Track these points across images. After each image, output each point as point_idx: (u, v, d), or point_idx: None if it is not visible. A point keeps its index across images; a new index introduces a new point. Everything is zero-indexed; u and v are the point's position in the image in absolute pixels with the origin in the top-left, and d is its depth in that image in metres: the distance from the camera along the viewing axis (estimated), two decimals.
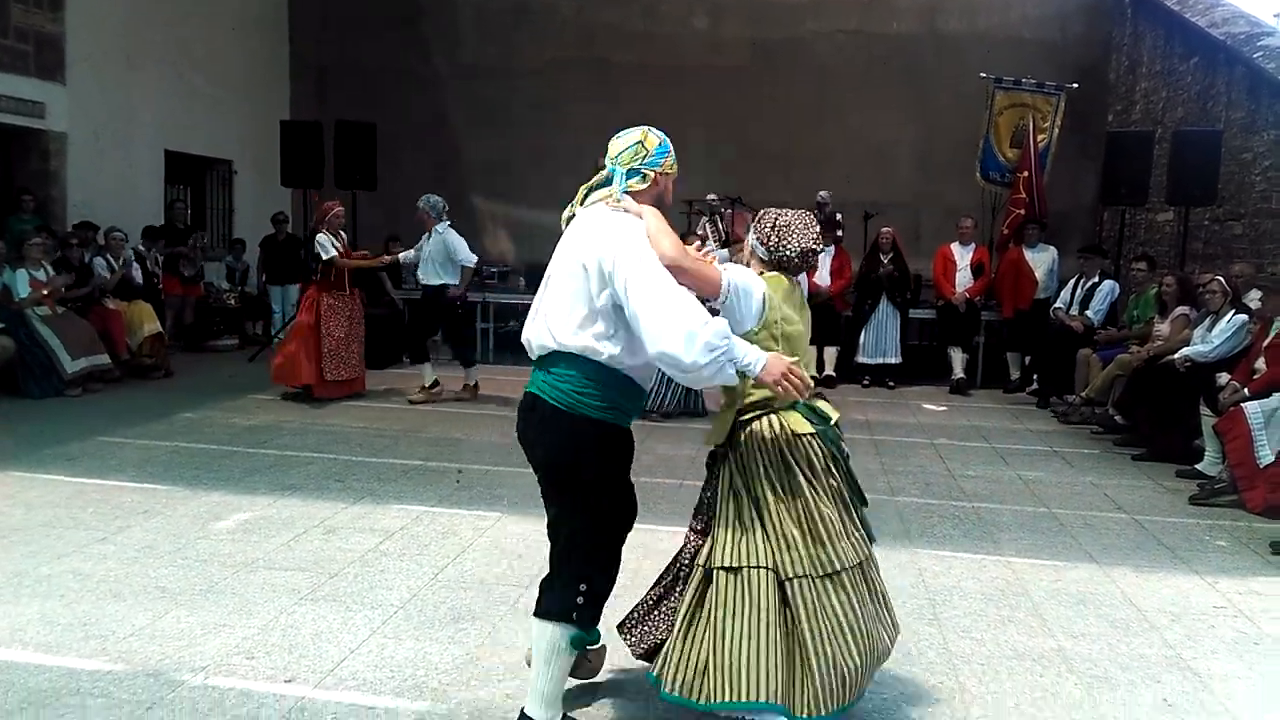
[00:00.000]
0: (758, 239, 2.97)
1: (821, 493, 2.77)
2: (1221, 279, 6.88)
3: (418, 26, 13.88)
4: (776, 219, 2.94)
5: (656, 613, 2.98)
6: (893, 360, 9.84)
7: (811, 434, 2.79)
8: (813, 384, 2.77)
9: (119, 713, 2.97)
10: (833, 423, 2.91)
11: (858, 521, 2.87)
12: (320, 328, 7.99)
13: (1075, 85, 10.77)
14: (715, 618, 2.70)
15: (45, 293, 8.05)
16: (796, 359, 2.75)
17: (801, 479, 2.76)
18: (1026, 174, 10.09)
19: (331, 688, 3.17)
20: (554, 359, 2.75)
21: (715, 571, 2.75)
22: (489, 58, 13.65)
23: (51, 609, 3.73)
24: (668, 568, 3.02)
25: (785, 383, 2.63)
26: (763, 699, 2.60)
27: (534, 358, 2.84)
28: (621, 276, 2.59)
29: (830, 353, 9.85)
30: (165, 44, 11.51)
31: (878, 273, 9.84)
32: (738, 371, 2.62)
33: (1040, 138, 10.36)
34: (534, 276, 11.16)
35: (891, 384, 9.77)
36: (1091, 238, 11.15)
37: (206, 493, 5.34)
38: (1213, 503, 5.66)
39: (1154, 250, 10.14)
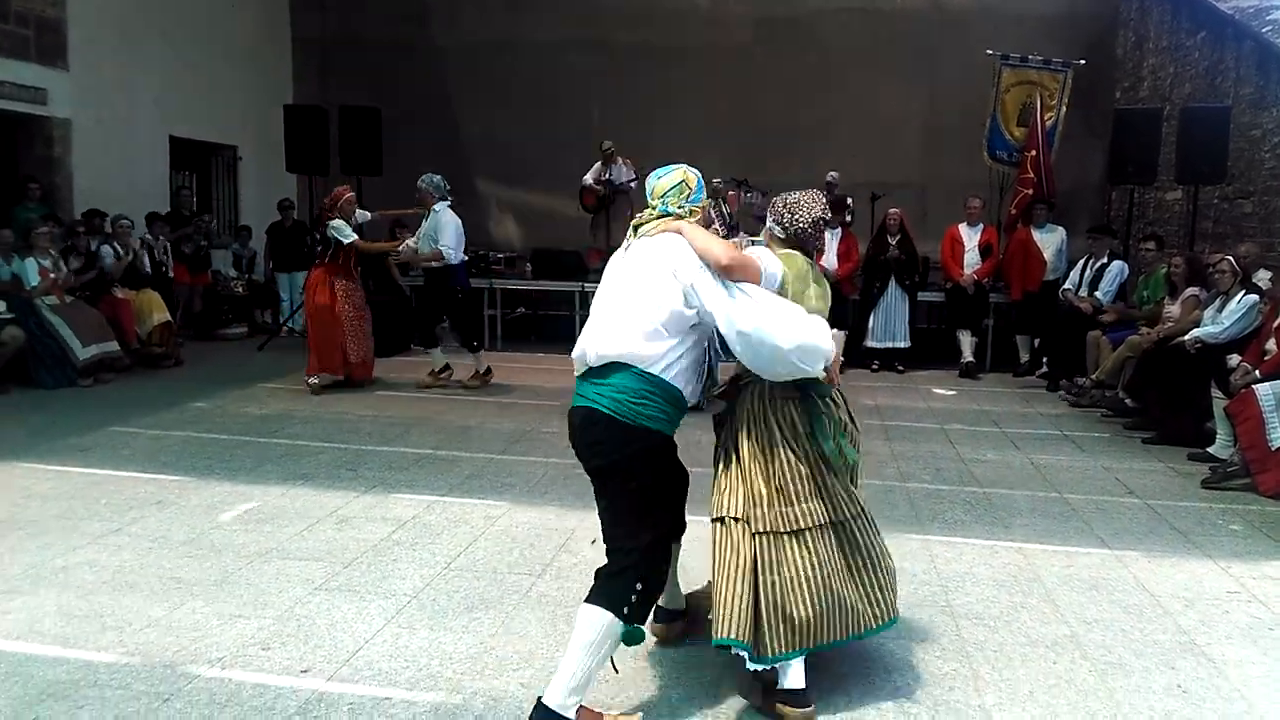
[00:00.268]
0: (774, 220, 3.29)
1: (798, 454, 3.01)
2: (1231, 259, 6.82)
3: (419, 2, 13.80)
4: (786, 199, 3.28)
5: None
6: (901, 344, 9.80)
7: (796, 398, 3.05)
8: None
9: (137, 704, 3.00)
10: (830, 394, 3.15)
11: (844, 483, 3.07)
12: (339, 310, 8.03)
13: (1083, 62, 10.65)
14: (712, 564, 3.06)
15: (59, 283, 8.06)
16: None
17: (779, 439, 3.02)
18: (1034, 153, 9.99)
19: (347, 679, 3.19)
20: (611, 371, 2.91)
21: (711, 523, 3.10)
22: (492, 37, 13.57)
23: (68, 601, 3.76)
24: None
25: (833, 373, 3.08)
26: (733, 637, 2.93)
27: (589, 367, 2.98)
28: (712, 299, 2.88)
29: (838, 337, 9.80)
30: (166, 25, 11.44)
31: (885, 255, 9.79)
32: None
33: (1048, 116, 10.24)
34: (540, 261, 11.33)
35: (900, 368, 9.74)
36: (1099, 217, 11.07)
37: (219, 483, 5.36)
38: (1225, 486, 5.64)
39: (1163, 229, 10.08)
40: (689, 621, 3.53)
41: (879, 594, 3.11)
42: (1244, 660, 3.45)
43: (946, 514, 5.11)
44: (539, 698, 2.83)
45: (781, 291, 3.04)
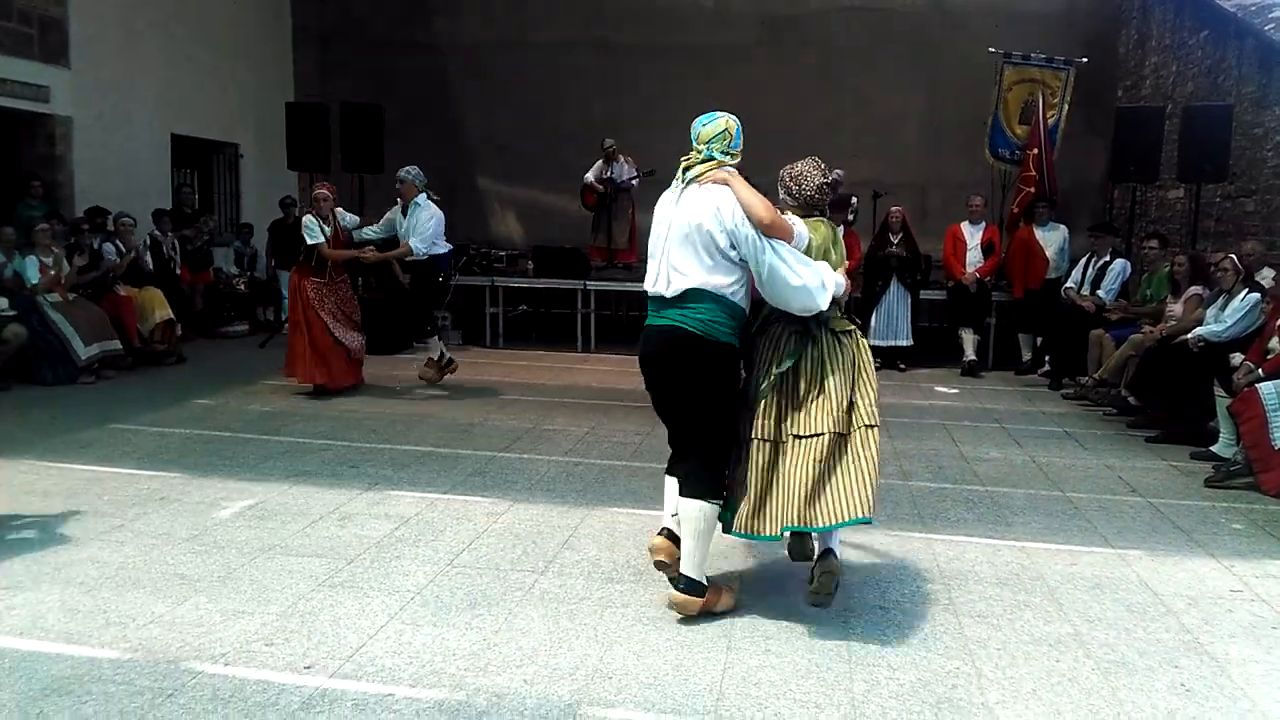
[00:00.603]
0: (784, 191, 3.80)
1: (794, 376, 3.58)
2: (1234, 257, 6.82)
3: (422, 1, 13.79)
4: (789, 170, 3.79)
5: None
6: (903, 342, 9.79)
7: (794, 331, 3.61)
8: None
9: (140, 700, 2.99)
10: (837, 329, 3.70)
11: (840, 402, 3.55)
12: (310, 319, 7.54)
13: (1085, 60, 10.65)
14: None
15: (61, 280, 8.06)
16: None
17: (773, 365, 3.60)
18: (1036, 151, 9.98)
19: (350, 675, 3.19)
20: (689, 296, 3.50)
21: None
22: (494, 35, 13.57)
23: (71, 597, 3.76)
24: None
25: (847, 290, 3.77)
26: (736, 530, 3.64)
27: (664, 297, 3.56)
28: (750, 248, 3.45)
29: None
30: (168, 24, 11.45)
31: (887, 253, 9.78)
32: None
33: (1050, 114, 10.24)
34: (542, 259, 11.33)
35: (903, 366, 9.74)
36: (1101, 216, 11.06)
37: (221, 479, 5.37)
38: (1228, 485, 5.63)
39: (1165, 228, 10.07)
40: None
41: (850, 494, 3.50)
42: (1247, 659, 3.45)
43: (949, 512, 5.11)
44: (681, 571, 3.57)
45: (806, 252, 3.59)
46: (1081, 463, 6.21)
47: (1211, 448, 6.20)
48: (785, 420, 3.57)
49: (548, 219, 13.31)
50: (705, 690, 3.14)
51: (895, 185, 11.07)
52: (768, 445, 3.56)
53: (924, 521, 4.93)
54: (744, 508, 3.58)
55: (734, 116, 3.64)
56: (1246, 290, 6.60)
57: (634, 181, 10.99)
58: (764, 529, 3.56)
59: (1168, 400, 6.88)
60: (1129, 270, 8.90)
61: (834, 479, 3.50)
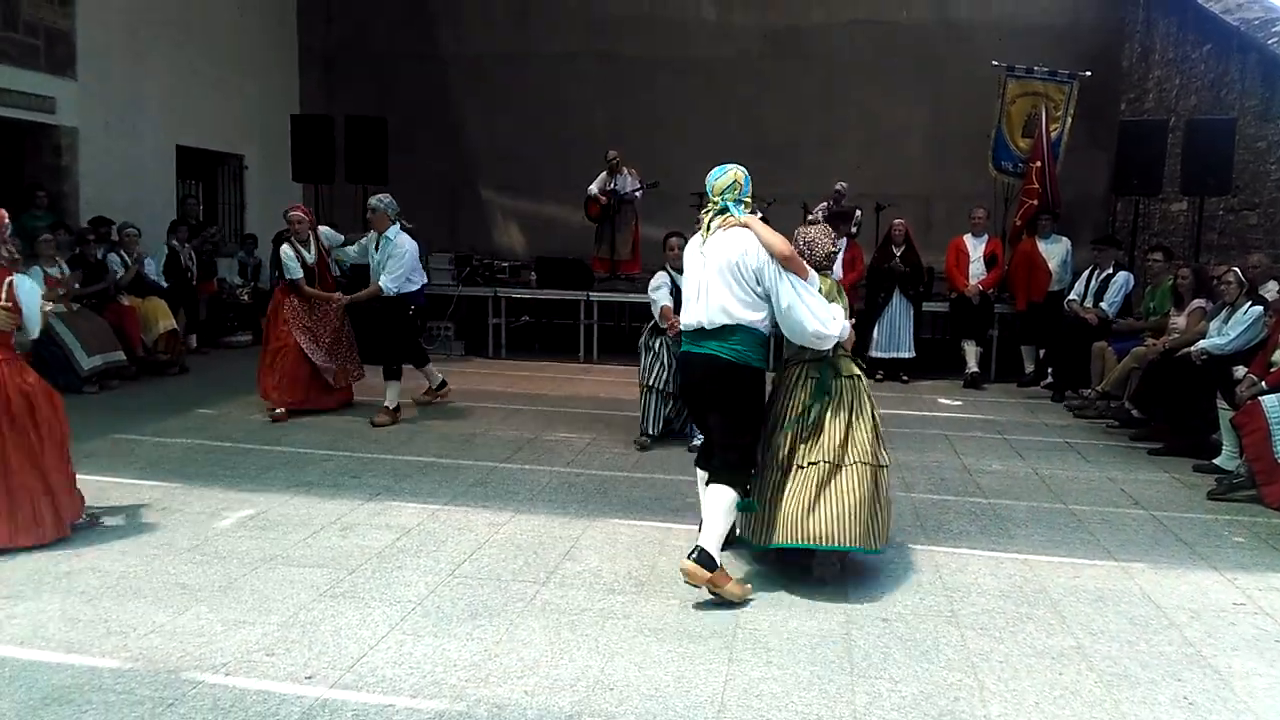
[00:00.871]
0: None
1: (801, 412, 4.11)
2: (1237, 270, 6.81)
3: (426, 13, 13.86)
4: (803, 235, 4.31)
5: None
6: (906, 354, 9.76)
7: (812, 378, 4.15)
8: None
9: (140, 710, 2.99)
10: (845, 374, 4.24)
11: (834, 435, 4.07)
12: (285, 342, 7.24)
13: (1088, 73, 10.67)
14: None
15: (62, 292, 8.06)
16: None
17: (785, 402, 4.19)
18: (1039, 164, 9.97)
19: (351, 686, 3.19)
20: (727, 331, 4.01)
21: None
22: (498, 47, 13.64)
23: (72, 606, 3.76)
24: None
25: (847, 345, 4.28)
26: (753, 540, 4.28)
27: (704, 329, 4.05)
28: (772, 282, 3.97)
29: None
30: (174, 35, 11.51)
31: (890, 265, 9.78)
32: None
33: (1053, 127, 10.25)
34: (545, 269, 11.35)
35: (905, 378, 9.71)
36: (1104, 228, 11.06)
37: (223, 489, 5.37)
38: (1231, 498, 5.62)
39: (1168, 241, 10.07)
40: None
41: (834, 521, 3.99)
42: (1250, 672, 3.43)
43: (951, 524, 5.10)
44: (698, 544, 3.87)
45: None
46: (1084, 475, 6.20)
47: (1214, 460, 6.18)
48: (795, 452, 4.12)
49: (550, 230, 13.35)
50: (707, 702, 3.13)
51: (899, 197, 11.09)
52: (779, 471, 4.14)
53: (926, 533, 4.92)
54: (754, 520, 4.22)
55: (741, 167, 4.12)
56: (1250, 303, 6.59)
57: (637, 193, 11.01)
58: (766, 539, 4.16)
59: (1170, 413, 6.86)
60: (1132, 283, 8.89)
61: (824, 504, 4.00)
